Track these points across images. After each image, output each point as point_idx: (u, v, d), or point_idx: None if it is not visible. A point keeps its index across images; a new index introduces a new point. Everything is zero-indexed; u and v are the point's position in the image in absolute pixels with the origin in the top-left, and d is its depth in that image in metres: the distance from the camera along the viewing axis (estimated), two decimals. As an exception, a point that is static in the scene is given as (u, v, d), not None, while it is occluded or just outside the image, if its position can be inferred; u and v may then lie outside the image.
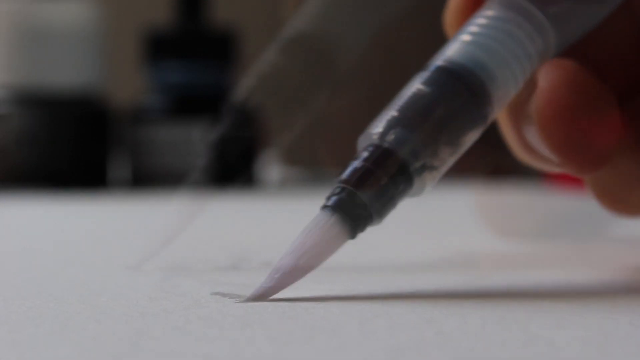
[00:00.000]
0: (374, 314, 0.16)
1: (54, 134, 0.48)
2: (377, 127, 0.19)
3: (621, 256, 0.25)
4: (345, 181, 0.18)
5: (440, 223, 0.33)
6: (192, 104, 0.51)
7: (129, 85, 0.59)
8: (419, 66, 0.21)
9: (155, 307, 0.17)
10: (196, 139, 0.50)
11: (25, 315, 0.16)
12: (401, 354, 0.13)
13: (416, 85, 0.19)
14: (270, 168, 0.63)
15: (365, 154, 0.19)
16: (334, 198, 0.19)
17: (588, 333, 0.15)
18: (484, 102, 0.19)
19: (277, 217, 0.37)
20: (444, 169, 0.19)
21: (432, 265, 0.23)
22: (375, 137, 0.19)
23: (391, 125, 0.19)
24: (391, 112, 0.19)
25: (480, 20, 0.20)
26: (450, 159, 0.19)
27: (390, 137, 0.19)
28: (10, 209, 0.40)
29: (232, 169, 0.51)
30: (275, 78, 0.20)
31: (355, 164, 0.19)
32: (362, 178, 0.18)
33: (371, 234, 0.27)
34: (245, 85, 0.20)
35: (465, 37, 0.20)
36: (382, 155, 0.19)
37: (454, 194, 0.46)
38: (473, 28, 0.20)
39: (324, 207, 0.19)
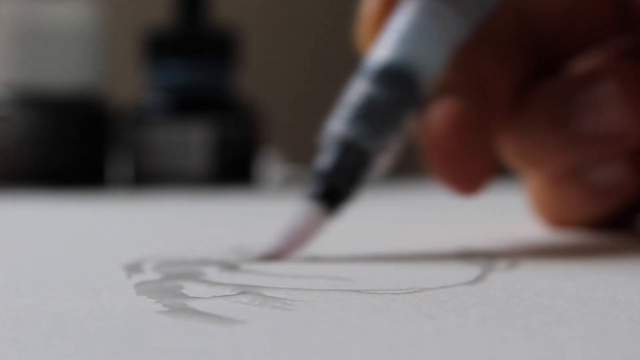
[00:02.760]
0: (374, 308, 0.16)
1: (54, 134, 0.48)
2: (338, 124, 0.23)
3: (620, 252, 0.25)
4: (322, 172, 0.23)
5: (439, 218, 0.33)
6: (192, 104, 0.51)
7: (129, 85, 0.59)
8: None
9: (155, 303, 0.17)
10: (196, 139, 0.50)
11: (26, 312, 0.16)
12: (401, 349, 0.13)
13: (362, 85, 0.24)
14: (272, 166, 0.63)
15: (332, 148, 0.23)
16: (315, 189, 0.23)
17: (588, 329, 0.15)
18: (420, 91, 0.24)
19: (278, 216, 0.37)
20: (395, 150, 0.24)
21: (432, 261, 0.23)
22: (338, 132, 0.23)
23: (351, 120, 0.23)
24: (347, 110, 0.23)
25: (399, 21, 0.24)
26: (398, 142, 0.24)
27: (351, 131, 0.23)
28: (10, 208, 0.40)
29: (233, 168, 0.51)
30: (367, 107, 0.23)
31: (326, 157, 0.23)
32: (335, 169, 0.23)
33: (372, 227, 0.27)
34: (337, 115, 0.24)
35: (392, 37, 0.24)
36: (347, 147, 0.23)
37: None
38: (395, 28, 0.24)
39: (308, 197, 0.23)
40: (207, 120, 0.50)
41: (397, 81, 0.23)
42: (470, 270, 0.21)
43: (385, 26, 0.25)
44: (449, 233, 0.29)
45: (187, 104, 0.51)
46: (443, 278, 0.20)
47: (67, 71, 0.49)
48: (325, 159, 0.23)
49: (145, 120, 0.51)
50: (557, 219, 0.28)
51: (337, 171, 0.23)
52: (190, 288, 0.18)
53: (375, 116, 0.23)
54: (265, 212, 0.38)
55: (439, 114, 0.25)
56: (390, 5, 0.26)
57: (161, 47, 0.52)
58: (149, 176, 0.50)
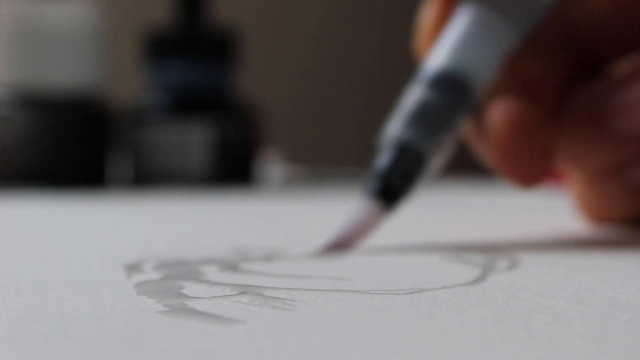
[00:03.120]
0: (374, 308, 0.16)
1: (54, 134, 0.48)
2: (395, 126, 0.25)
3: (620, 252, 0.25)
4: (379, 172, 0.25)
5: (439, 217, 0.33)
6: (192, 104, 0.51)
7: (129, 85, 0.59)
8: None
9: (155, 303, 0.17)
10: (196, 139, 0.50)
11: (26, 312, 0.16)
12: (401, 349, 0.13)
13: (418, 90, 0.26)
14: (272, 166, 0.63)
15: (389, 149, 0.25)
16: (373, 186, 0.25)
17: (588, 329, 0.15)
18: (473, 97, 0.26)
19: (278, 216, 0.37)
20: (448, 152, 0.26)
21: (432, 261, 0.23)
22: (395, 134, 0.25)
23: (407, 123, 0.25)
24: (403, 114, 0.25)
25: (454, 30, 0.26)
26: (450, 144, 0.26)
27: (407, 133, 0.25)
28: (10, 208, 0.40)
29: (233, 168, 0.51)
30: (423, 111, 0.25)
31: (383, 157, 0.25)
32: (392, 168, 0.25)
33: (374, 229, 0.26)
34: (394, 119, 0.25)
35: (447, 44, 0.26)
36: (403, 148, 0.25)
37: (448, 190, 0.46)
38: (450, 37, 0.26)
39: (366, 195, 0.25)
40: (207, 120, 0.50)
41: (451, 87, 0.25)
42: (470, 271, 0.21)
43: (440, 35, 0.27)
44: (449, 233, 0.29)
45: (187, 104, 0.51)
46: (443, 278, 0.20)
47: (67, 71, 0.49)
48: (382, 159, 0.25)
49: (145, 120, 0.51)
50: (598, 216, 0.30)
51: (393, 171, 0.25)
52: (190, 288, 0.18)
53: (430, 120, 0.25)
54: (265, 212, 0.39)
55: (500, 113, 0.27)
56: (446, 16, 0.28)
57: (161, 47, 0.52)
58: (149, 176, 0.50)
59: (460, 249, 0.25)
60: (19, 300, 0.17)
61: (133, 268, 0.21)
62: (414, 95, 0.26)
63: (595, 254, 0.25)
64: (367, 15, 1.40)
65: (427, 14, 0.28)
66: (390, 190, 0.24)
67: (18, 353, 0.13)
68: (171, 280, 0.19)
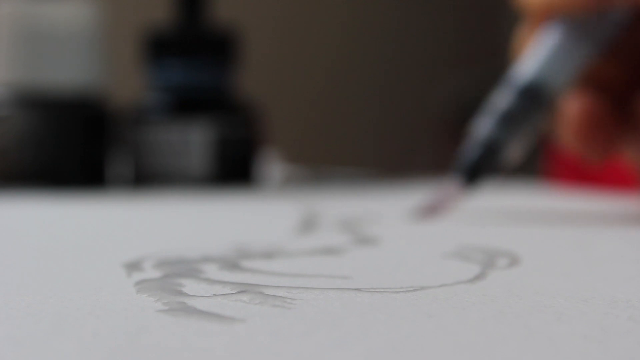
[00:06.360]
0: (373, 306, 0.16)
1: (54, 134, 0.48)
2: (486, 125, 0.31)
3: (620, 251, 0.25)
4: (465, 159, 0.31)
5: (439, 216, 0.33)
6: (192, 104, 0.51)
7: (129, 85, 0.59)
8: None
9: (155, 302, 0.17)
10: (196, 139, 0.50)
11: (26, 311, 0.16)
12: (401, 348, 0.13)
13: (508, 96, 0.31)
14: (272, 166, 0.63)
15: (475, 143, 0.31)
16: (460, 168, 0.31)
17: (588, 328, 0.15)
18: (552, 105, 0.32)
19: (278, 215, 0.37)
20: (523, 150, 0.32)
21: (432, 259, 0.23)
22: (484, 132, 0.31)
23: (494, 122, 0.31)
24: (494, 115, 0.31)
25: (542, 46, 0.32)
26: (527, 142, 0.31)
27: (495, 133, 0.31)
28: (10, 208, 0.40)
29: (233, 168, 0.51)
30: (508, 114, 0.31)
31: (469, 148, 0.31)
32: (478, 159, 0.31)
33: (374, 228, 0.27)
34: (482, 119, 0.31)
35: (535, 58, 0.32)
36: (489, 145, 0.31)
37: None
38: (538, 51, 0.32)
39: (454, 172, 0.31)
40: (207, 120, 0.50)
41: (535, 98, 0.31)
42: (470, 269, 0.21)
43: (530, 47, 0.32)
44: (449, 232, 0.29)
45: (187, 104, 0.51)
46: (443, 276, 0.20)
47: (67, 71, 0.49)
48: (471, 150, 0.31)
49: (145, 120, 0.51)
50: None
51: (479, 160, 0.31)
52: (190, 286, 0.18)
53: (514, 123, 0.31)
54: (265, 212, 0.39)
55: (575, 107, 0.33)
56: (535, 31, 0.33)
57: (161, 47, 0.52)
58: (149, 176, 0.50)
59: (460, 248, 0.25)
60: (19, 299, 0.17)
61: (133, 266, 0.21)
62: (503, 100, 0.31)
63: (595, 254, 0.25)
64: (367, 16, 1.40)
65: (521, 29, 0.34)
66: (473, 173, 0.31)
67: (18, 352, 0.13)
68: (171, 279, 0.19)
